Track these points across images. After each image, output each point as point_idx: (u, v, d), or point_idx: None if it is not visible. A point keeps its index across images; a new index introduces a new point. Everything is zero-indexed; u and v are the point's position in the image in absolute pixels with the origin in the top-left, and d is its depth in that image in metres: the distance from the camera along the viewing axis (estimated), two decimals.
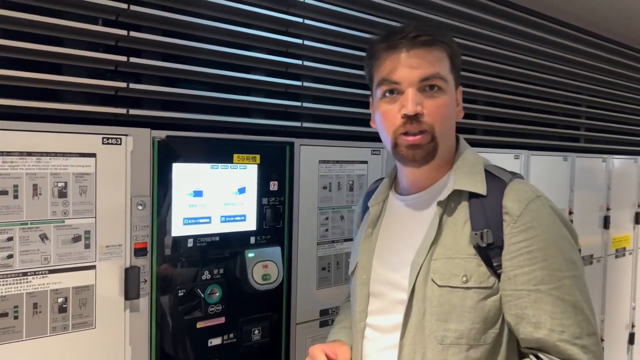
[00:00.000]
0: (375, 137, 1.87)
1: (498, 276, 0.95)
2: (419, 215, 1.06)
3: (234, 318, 1.52)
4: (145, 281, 1.35)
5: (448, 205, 1.01)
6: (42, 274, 1.20)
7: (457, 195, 1.01)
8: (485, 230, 0.95)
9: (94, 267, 1.27)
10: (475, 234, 0.95)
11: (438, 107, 0.99)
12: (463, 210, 0.99)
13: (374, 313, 1.08)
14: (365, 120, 1.82)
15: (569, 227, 0.98)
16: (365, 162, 1.81)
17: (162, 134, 1.36)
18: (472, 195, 0.99)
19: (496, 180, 1.00)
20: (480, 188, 0.99)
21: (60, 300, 1.23)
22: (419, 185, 1.08)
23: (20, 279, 1.17)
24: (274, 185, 1.58)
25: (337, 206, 1.75)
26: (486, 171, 1.03)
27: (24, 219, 1.17)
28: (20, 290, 1.17)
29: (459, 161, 1.04)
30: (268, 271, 1.54)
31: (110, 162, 1.28)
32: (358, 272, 1.11)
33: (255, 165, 1.55)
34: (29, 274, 1.19)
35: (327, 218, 1.72)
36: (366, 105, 1.82)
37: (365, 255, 1.11)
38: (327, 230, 1.72)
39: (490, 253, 0.95)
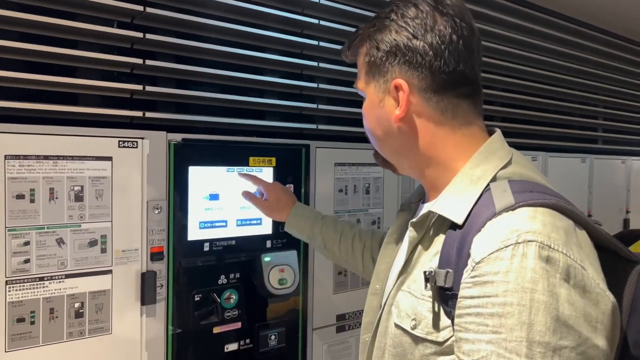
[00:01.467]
0: None
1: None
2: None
3: (251, 323, 1.50)
4: (162, 286, 1.34)
5: (428, 230, 0.83)
6: (58, 278, 1.19)
7: (440, 220, 0.81)
8: (447, 270, 0.73)
9: (110, 271, 1.26)
10: (430, 273, 0.75)
11: (363, 113, 0.93)
12: (439, 239, 0.80)
13: (380, 330, 0.97)
14: None
15: (575, 302, 0.65)
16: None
17: (178, 137, 1.35)
18: (454, 224, 0.77)
19: (490, 207, 0.73)
20: (458, 215, 0.76)
21: (76, 305, 1.22)
22: (427, 194, 0.93)
23: (36, 284, 1.16)
24: (290, 188, 1.56)
25: (353, 209, 1.72)
26: (490, 191, 0.77)
27: (40, 223, 1.16)
28: (36, 295, 1.16)
29: (460, 174, 0.82)
30: (284, 275, 1.51)
31: (127, 165, 1.27)
32: (372, 280, 1.02)
33: (271, 168, 1.53)
34: (45, 278, 1.17)
35: (358, 220, 1.69)
36: None
37: (384, 263, 1.00)
38: None
39: (449, 300, 0.73)
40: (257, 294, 1.50)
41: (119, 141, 1.26)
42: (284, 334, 1.56)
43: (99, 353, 1.24)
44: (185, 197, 1.37)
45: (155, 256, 1.32)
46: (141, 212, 1.30)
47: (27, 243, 1.15)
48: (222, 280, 1.45)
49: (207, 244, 1.42)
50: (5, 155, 1.12)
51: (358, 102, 1.77)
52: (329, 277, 1.68)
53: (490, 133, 0.89)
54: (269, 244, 1.53)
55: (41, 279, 1.17)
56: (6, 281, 1.13)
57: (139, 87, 1.29)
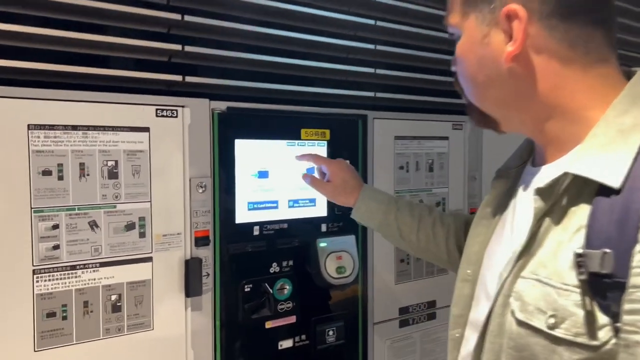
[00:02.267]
0: (456, 110, 1.66)
1: (617, 331, 0.56)
2: (530, 201, 0.70)
3: (306, 317, 1.32)
4: (208, 275, 1.17)
5: (560, 199, 0.65)
6: (92, 267, 1.04)
7: (578, 184, 0.63)
8: (604, 250, 0.57)
9: (150, 259, 1.10)
10: (582, 255, 0.58)
11: (456, 56, 0.75)
12: (582, 210, 0.62)
13: (472, 323, 0.79)
14: (446, 91, 1.59)
15: None
16: (446, 138, 1.59)
17: (222, 105, 1.18)
18: (604, 189, 0.60)
19: None
20: (613, 177, 0.59)
21: (113, 297, 1.06)
22: (543, 154, 0.74)
23: (68, 273, 1.01)
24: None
25: (415, 189, 1.53)
26: None
27: (70, 203, 1.01)
28: (68, 286, 1.01)
29: (603, 124, 0.64)
30: (342, 263, 1.33)
31: (166, 137, 1.11)
32: (462, 264, 0.85)
33: (325, 142, 1.35)
34: (77, 267, 1.02)
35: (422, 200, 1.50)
36: (446, 72, 1.59)
37: (476, 243, 0.82)
38: None
39: (608, 290, 0.57)
40: (313, 284, 1.32)
41: (157, 109, 1.10)
42: (342, 329, 1.38)
43: (140, 352, 1.09)
44: (232, 174, 1.21)
45: (200, 241, 1.15)
46: (183, 191, 1.13)
47: (55, 226, 1.00)
48: (274, 268, 1.27)
49: (256, 228, 1.25)
50: (28, 125, 0.97)
51: (419, 67, 1.58)
52: (390, 266, 1.49)
53: (626, 74, 0.70)
54: (324, 227, 1.35)
55: (73, 267, 1.02)
56: (33, 270, 0.98)
57: (178, 47, 1.12)
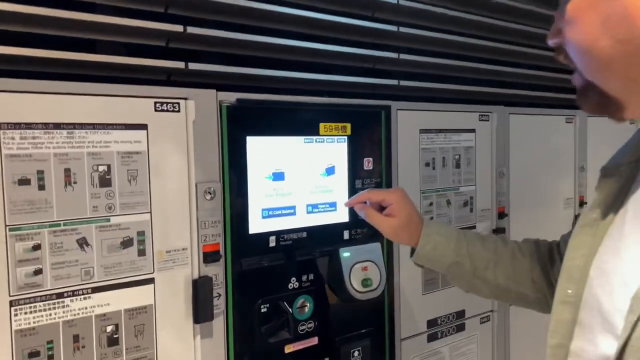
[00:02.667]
0: (483, 100, 1.51)
1: None
2: None
3: (329, 337, 1.16)
4: (219, 296, 1.00)
5: None
6: (83, 293, 0.86)
7: None
8: None
9: (151, 280, 0.93)
10: None
11: (568, 18, 0.58)
12: None
13: (579, 355, 0.65)
14: (473, 79, 1.43)
15: None
16: (473, 131, 1.44)
17: (231, 96, 1.01)
18: None
19: None
20: None
21: (109, 328, 0.89)
22: None
23: (53, 303, 0.83)
24: (368, 163, 1.22)
25: (442, 188, 1.37)
26: None
27: (54, 218, 0.83)
28: (54, 318, 0.84)
29: None
30: (368, 275, 1.18)
31: (166, 135, 0.93)
32: (560, 282, 0.69)
33: (345, 138, 1.18)
34: (65, 294, 0.85)
35: (431, 204, 1.35)
36: (474, 58, 1.43)
37: (579, 256, 0.67)
38: (431, 219, 1.35)
39: None
40: (336, 299, 1.16)
41: (155, 103, 0.92)
42: (368, 348, 1.22)
43: None
44: (244, 177, 1.03)
45: (210, 257, 0.98)
46: (189, 199, 0.96)
47: (37, 247, 0.82)
48: (293, 284, 1.11)
49: (272, 238, 1.08)
50: None
51: (443, 53, 1.41)
52: (417, 274, 1.34)
53: None
54: (346, 234, 1.19)
55: (59, 295, 0.84)
56: (10, 302, 0.80)
57: (178, 29, 0.94)
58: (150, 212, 0.92)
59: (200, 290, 0.97)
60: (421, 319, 1.35)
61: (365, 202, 1.03)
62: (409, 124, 1.29)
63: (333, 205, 1.17)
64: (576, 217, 1.75)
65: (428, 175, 1.34)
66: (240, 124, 1.02)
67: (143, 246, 0.92)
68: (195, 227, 0.97)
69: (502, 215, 1.51)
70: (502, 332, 1.54)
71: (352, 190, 1.19)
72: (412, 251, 0.99)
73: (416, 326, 1.34)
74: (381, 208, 1.01)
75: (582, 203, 1.77)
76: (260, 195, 1.06)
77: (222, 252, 1.00)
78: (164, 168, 0.93)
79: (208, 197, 0.98)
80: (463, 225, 1.42)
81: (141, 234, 0.92)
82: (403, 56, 1.26)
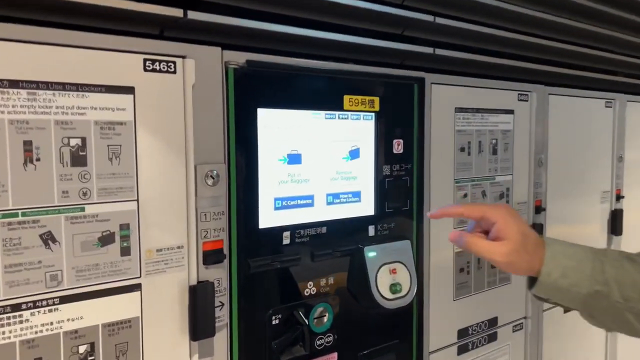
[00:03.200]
0: (521, 78, 1.31)
1: None
2: None
3: (351, 353, 0.98)
4: (222, 305, 0.81)
5: None
6: (48, 304, 0.66)
7: None
8: None
9: (138, 287, 0.73)
10: None
11: None
12: None
13: None
14: (513, 54, 1.23)
15: None
16: (511, 112, 1.25)
17: (240, 57, 0.81)
18: None
19: None
20: None
21: (82, 349, 0.69)
22: None
23: (8, 318, 0.63)
24: (397, 146, 1.03)
25: (477, 177, 1.19)
26: None
27: (9, 206, 0.63)
28: (9, 337, 0.64)
29: None
30: (397, 278, 0.99)
31: (159, 103, 0.73)
32: None
33: (373, 115, 0.99)
34: (23, 306, 0.64)
35: (465, 195, 1.17)
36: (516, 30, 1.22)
37: None
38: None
39: None
40: (359, 308, 0.97)
41: (145, 60, 0.72)
42: None
43: None
44: (254, 158, 0.84)
45: (211, 256, 0.79)
46: (186, 185, 0.76)
47: None
48: (310, 289, 0.92)
49: (286, 234, 0.88)
50: None
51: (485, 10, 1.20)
52: (448, 278, 1.15)
53: None
54: (372, 230, 1.00)
55: (15, 307, 0.64)
56: None
57: None
58: (137, 200, 0.72)
59: (199, 299, 0.77)
60: (451, 329, 1.17)
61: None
62: (444, 100, 1.10)
63: (357, 195, 0.98)
64: (612, 212, 1.58)
65: (463, 162, 1.15)
66: (250, 92, 0.83)
67: (127, 243, 0.72)
68: (194, 220, 0.77)
69: (539, 209, 1.33)
70: (535, 341, 1.36)
71: (378, 178, 1.00)
72: (531, 281, 0.76)
73: (446, 337, 1.15)
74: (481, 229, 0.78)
75: (618, 197, 1.60)
76: (273, 182, 0.87)
77: (226, 251, 0.81)
78: (155, 144, 0.73)
79: (210, 182, 0.78)
80: None
81: (125, 227, 0.72)
82: (439, 20, 1.06)
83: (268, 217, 0.86)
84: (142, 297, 0.74)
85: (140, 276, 0.73)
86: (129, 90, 0.71)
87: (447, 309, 1.15)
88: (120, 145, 0.71)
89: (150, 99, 0.72)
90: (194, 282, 0.77)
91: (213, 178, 0.78)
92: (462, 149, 1.15)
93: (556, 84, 1.39)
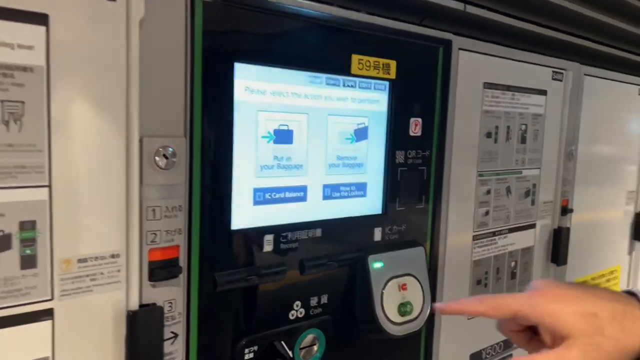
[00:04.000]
0: (555, 55, 1.09)
1: None
2: None
3: None
4: (175, 337, 0.57)
5: None
6: None
7: None
8: None
9: (48, 313, 0.50)
10: None
11: None
12: None
13: None
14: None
15: None
16: (544, 93, 1.03)
17: None
18: None
19: None
20: None
21: None
22: None
23: None
24: (415, 127, 0.80)
25: (502, 170, 0.97)
26: None
27: None
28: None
29: None
30: (408, 296, 0.77)
31: (87, 42, 0.49)
32: None
33: (387, 84, 0.76)
34: None
35: (488, 191, 0.95)
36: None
37: None
38: (487, 213, 0.95)
39: None
40: (360, 334, 0.75)
41: None
42: None
43: None
44: (227, 132, 0.60)
45: (161, 270, 0.55)
46: (126, 166, 0.52)
47: None
48: (298, 311, 0.69)
49: (269, 238, 0.65)
50: None
51: None
52: (463, 292, 0.94)
53: None
54: (378, 233, 0.77)
55: None
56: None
57: None
58: (49, 187, 0.48)
59: (142, 330, 0.54)
60: (463, 354, 0.96)
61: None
62: (472, 72, 0.88)
63: (362, 187, 0.76)
64: (637, 215, 1.39)
65: (488, 150, 0.93)
66: (226, 39, 0.58)
67: (32, 250, 0.48)
68: (136, 218, 0.53)
69: (565, 210, 1.13)
70: None
71: (390, 167, 0.77)
72: None
73: None
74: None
75: None
76: (253, 166, 0.63)
77: (183, 261, 0.57)
78: (79, 105, 0.49)
79: (162, 163, 0.54)
80: (522, 222, 1.03)
81: (28, 227, 0.48)
82: None
83: (244, 215, 0.63)
84: (55, 329, 0.50)
85: (53, 298, 0.49)
86: (40, 19, 0.46)
87: (460, 330, 0.94)
88: (23, 103, 0.46)
89: (73, 36, 0.48)
90: (134, 305, 0.54)
91: (167, 158, 0.54)
92: (489, 135, 0.93)
93: (590, 64, 1.18)
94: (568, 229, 1.12)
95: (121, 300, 0.53)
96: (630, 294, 0.48)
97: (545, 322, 0.49)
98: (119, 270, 0.53)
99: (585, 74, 1.14)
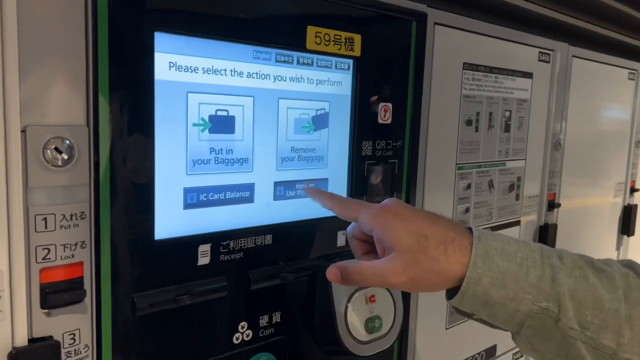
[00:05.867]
0: (547, 29, 0.99)
1: None
2: None
3: None
4: None
5: None
6: None
7: None
8: None
9: None
10: None
11: None
12: None
13: None
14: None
15: None
16: (529, 76, 0.93)
17: None
18: None
19: None
20: None
21: None
22: None
23: None
24: (385, 113, 0.69)
25: (485, 162, 0.87)
26: None
27: None
28: None
29: None
30: (376, 309, 0.66)
31: None
32: None
33: (350, 62, 0.65)
34: None
35: (468, 186, 0.85)
36: None
37: None
38: (467, 210, 0.85)
39: None
40: (321, 357, 0.65)
41: None
42: None
43: None
44: (145, 119, 0.48)
45: (58, 294, 0.44)
46: (5, 163, 0.40)
47: None
48: (244, 334, 0.58)
49: (204, 248, 0.53)
50: None
51: None
52: (441, 301, 0.83)
53: None
54: (342, 238, 0.67)
55: None
56: None
57: None
58: None
59: None
60: None
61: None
62: (450, 51, 0.77)
63: (322, 184, 0.64)
64: (625, 208, 1.31)
65: (468, 140, 0.83)
66: (140, 0, 0.46)
67: None
68: (20, 229, 0.41)
69: (552, 205, 1.03)
70: None
71: (356, 160, 0.66)
72: (451, 291, 0.50)
73: None
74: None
75: (633, 190, 1.32)
76: (182, 161, 0.51)
77: (88, 282, 0.46)
78: None
79: (55, 159, 0.42)
80: (505, 220, 0.93)
81: None
82: None
83: (172, 221, 0.51)
84: None
85: None
86: None
87: (437, 341, 0.84)
88: None
89: None
90: (22, 341, 0.42)
91: (61, 152, 0.42)
92: (469, 122, 0.82)
93: (579, 45, 1.08)
94: (555, 226, 1.03)
95: (5, 335, 0.42)
96: (469, 229, 0.50)
97: (378, 232, 0.50)
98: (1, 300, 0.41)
99: (573, 56, 1.04)
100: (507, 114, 0.89)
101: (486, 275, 0.47)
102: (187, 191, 0.52)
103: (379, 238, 0.51)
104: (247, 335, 0.58)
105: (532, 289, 0.47)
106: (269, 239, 0.59)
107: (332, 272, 0.53)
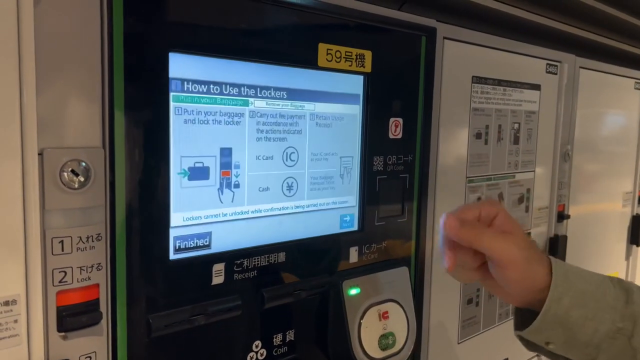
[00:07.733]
0: (555, 41, 0.99)
1: None
2: None
3: None
4: None
5: None
6: None
7: None
8: None
9: None
10: None
11: None
12: None
13: None
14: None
15: None
16: (537, 88, 0.93)
17: None
18: None
19: None
20: None
21: None
22: None
23: None
24: (395, 128, 0.69)
25: (494, 175, 0.87)
26: None
27: None
28: None
29: None
30: (390, 326, 0.66)
31: None
32: None
33: (362, 77, 0.65)
34: None
35: (479, 199, 0.84)
36: None
37: None
38: None
39: None
40: None
41: None
42: None
43: None
44: (161, 141, 0.48)
45: (75, 317, 0.43)
46: (22, 185, 0.40)
47: None
48: (257, 353, 0.58)
49: (219, 267, 0.53)
50: None
51: None
52: (453, 314, 0.83)
53: None
54: (354, 254, 0.66)
55: None
56: None
57: None
58: None
59: None
60: None
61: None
62: (459, 65, 0.77)
63: (333, 200, 0.64)
64: (634, 218, 1.30)
65: (478, 153, 0.83)
66: (156, 19, 0.46)
67: None
68: (38, 252, 0.41)
69: (561, 216, 1.03)
70: None
71: (367, 175, 0.66)
72: (522, 316, 0.50)
73: None
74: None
75: None
76: (180, 181, 0.51)
77: (105, 304, 0.45)
78: None
79: (74, 182, 0.42)
80: None
81: None
82: None
83: (174, 236, 0.51)
84: None
85: None
86: None
87: (450, 356, 0.83)
88: None
89: None
90: None
91: (77, 175, 0.42)
92: (478, 135, 0.82)
93: (586, 56, 1.08)
94: (565, 237, 1.02)
95: (22, 359, 0.41)
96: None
97: (501, 216, 0.49)
98: (16, 321, 0.41)
99: (580, 67, 1.04)
100: (516, 126, 0.89)
101: (566, 295, 0.47)
102: (185, 212, 0.52)
103: (501, 222, 0.49)
104: (262, 355, 0.58)
105: (610, 309, 0.47)
106: (282, 256, 0.59)
107: (452, 222, 0.50)
